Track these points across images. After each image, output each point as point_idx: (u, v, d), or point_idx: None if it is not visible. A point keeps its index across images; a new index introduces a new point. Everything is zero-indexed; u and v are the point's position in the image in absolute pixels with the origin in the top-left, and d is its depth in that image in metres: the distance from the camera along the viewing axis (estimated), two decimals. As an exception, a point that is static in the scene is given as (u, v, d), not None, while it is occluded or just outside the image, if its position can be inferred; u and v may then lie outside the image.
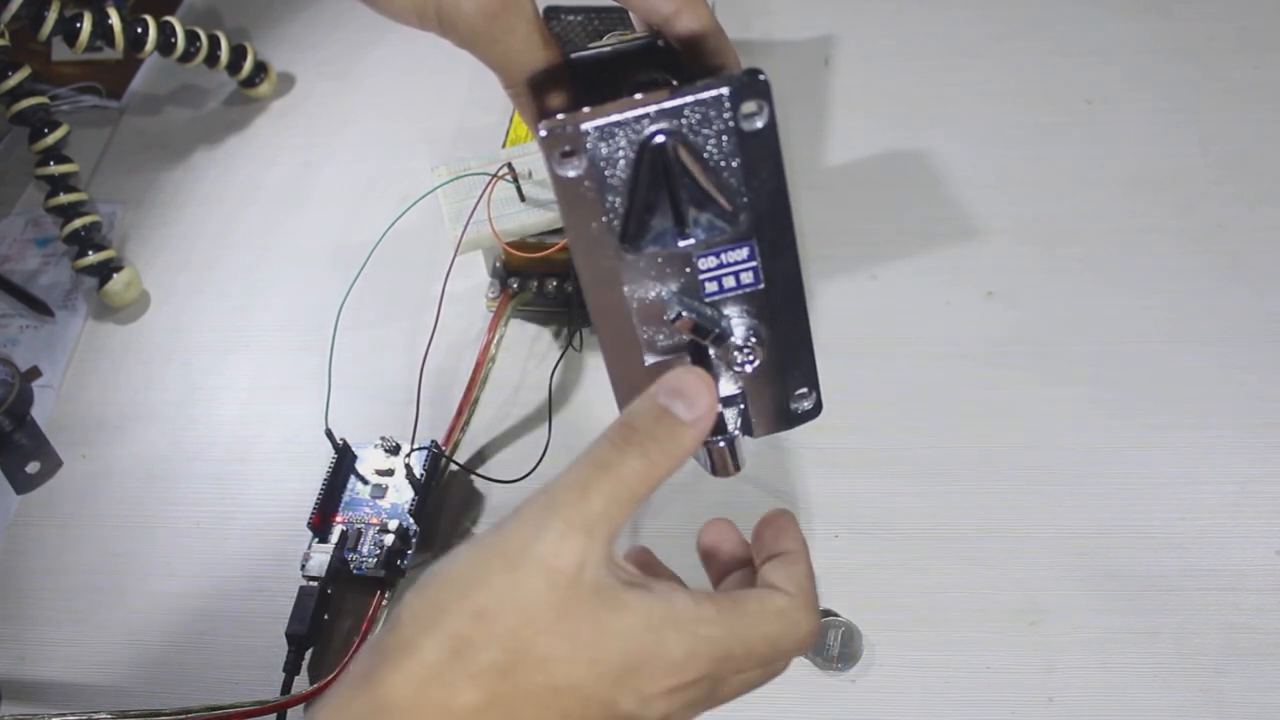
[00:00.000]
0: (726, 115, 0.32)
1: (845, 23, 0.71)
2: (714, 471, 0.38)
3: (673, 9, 0.38)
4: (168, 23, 0.66)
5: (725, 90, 0.31)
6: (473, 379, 0.55)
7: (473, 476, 0.53)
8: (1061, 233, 0.60)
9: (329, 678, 0.47)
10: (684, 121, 0.32)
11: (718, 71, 0.39)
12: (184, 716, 0.44)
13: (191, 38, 0.67)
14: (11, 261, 0.66)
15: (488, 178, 0.52)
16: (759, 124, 0.32)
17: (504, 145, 0.59)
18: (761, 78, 0.31)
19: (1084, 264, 0.58)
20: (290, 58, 0.75)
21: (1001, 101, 0.66)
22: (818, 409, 0.38)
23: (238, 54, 0.70)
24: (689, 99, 0.31)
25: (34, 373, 0.60)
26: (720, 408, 0.37)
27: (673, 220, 0.33)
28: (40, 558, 0.53)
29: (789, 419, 0.38)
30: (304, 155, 0.69)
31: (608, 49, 0.39)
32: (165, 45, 0.66)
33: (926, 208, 0.61)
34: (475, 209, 0.52)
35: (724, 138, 0.32)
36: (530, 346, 0.58)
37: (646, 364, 0.36)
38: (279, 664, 0.47)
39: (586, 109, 0.31)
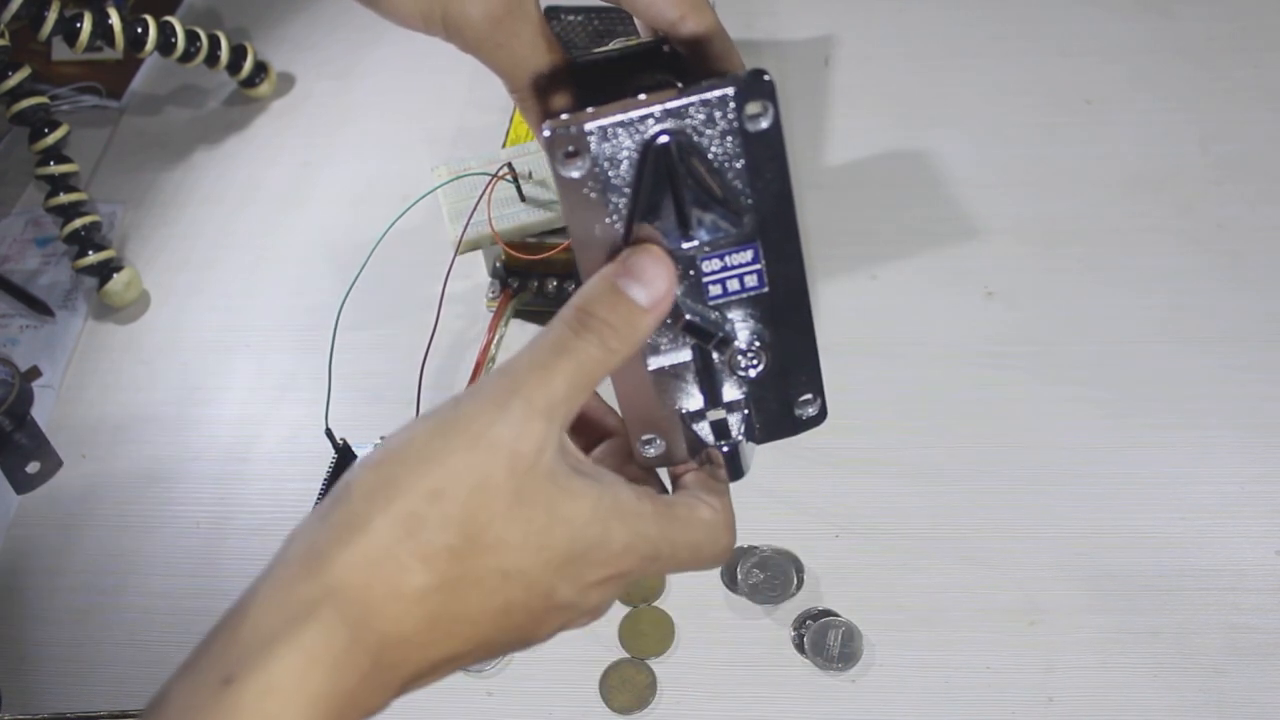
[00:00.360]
0: (731, 116, 0.31)
1: (845, 23, 0.71)
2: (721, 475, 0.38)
3: (678, 14, 0.38)
4: (168, 23, 0.66)
5: (730, 90, 0.31)
6: (472, 379, 0.55)
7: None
8: (1061, 233, 0.60)
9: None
10: (688, 122, 0.31)
11: (722, 74, 0.39)
12: (184, 716, 0.44)
13: (191, 38, 0.67)
14: (11, 261, 0.66)
15: (488, 178, 0.52)
16: (764, 124, 0.32)
17: (504, 145, 0.59)
18: (766, 78, 0.31)
19: (1084, 264, 0.58)
20: (290, 58, 0.75)
21: (1001, 101, 0.66)
22: (823, 415, 0.38)
23: (238, 54, 0.70)
24: (693, 99, 0.31)
25: (34, 373, 0.60)
26: (724, 414, 0.37)
27: (676, 222, 0.33)
28: (40, 558, 0.53)
29: (794, 425, 0.38)
30: (304, 155, 0.69)
31: (612, 52, 0.39)
32: (165, 45, 0.66)
33: (926, 208, 0.61)
34: (475, 209, 0.52)
35: (728, 138, 0.32)
36: (530, 346, 0.58)
37: (650, 368, 0.36)
38: (279, 664, 0.47)
39: (590, 109, 0.31)
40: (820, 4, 0.73)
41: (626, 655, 0.47)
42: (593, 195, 0.32)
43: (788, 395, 0.37)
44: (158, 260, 0.65)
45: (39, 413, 0.58)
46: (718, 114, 0.31)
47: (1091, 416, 0.52)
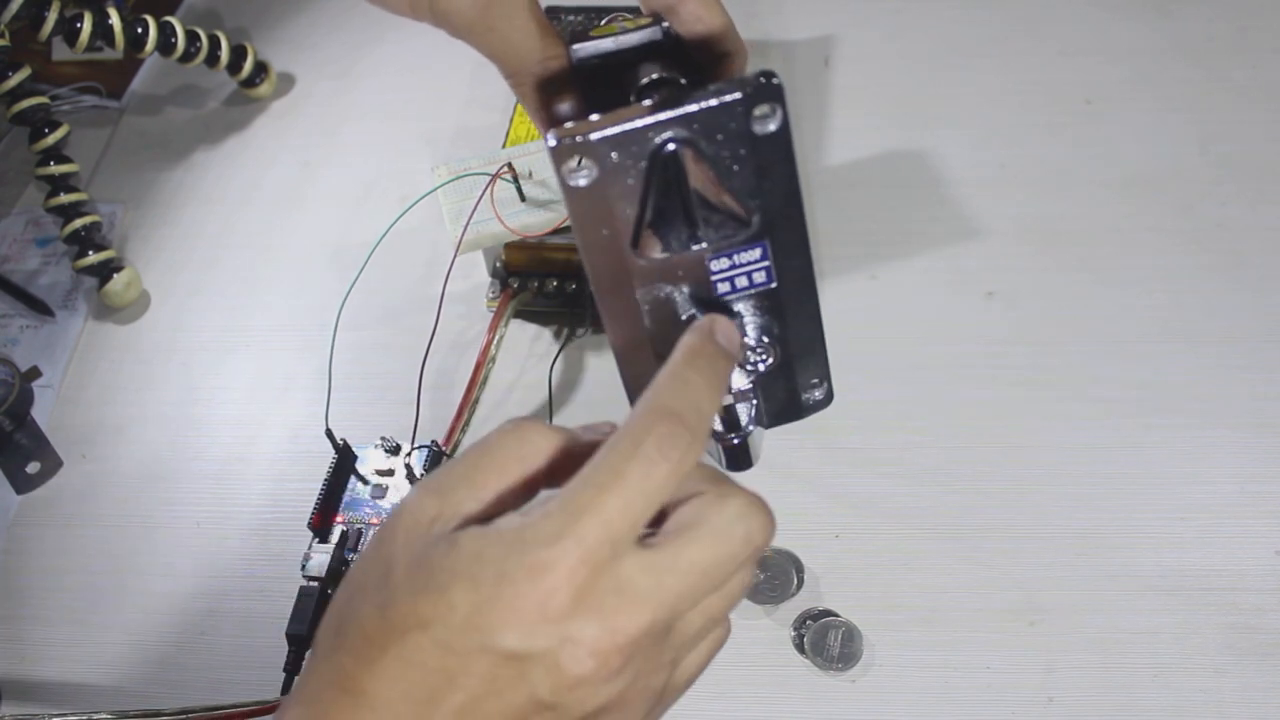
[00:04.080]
0: (739, 119, 0.31)
1: (845, 23, 0.71)
2: (728, 466, 0.38)
3: None
4: (168, 23, 0.66)
5: (738, 95, 0.31)
6: (473, 379, 0.55)
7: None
8: (1061, 233, 0.60)
9: (329, 678, 0.47)
10: (695, 128, 0.31)
11: (724, 58, 0.38)
12: (184, 716, 0.44)
13: (192, 38, 0.67)
14: (12, 261, 0.66)
15: (488, 178, 0.52)
16: (772, 127, 0.31)
17: (504, 145, 0.59)
18: (775, 81, 0.31)
19: (1084, 264, 0.58)
20: (290, 58, 0.75)
21: (1001, 101, 0.66)
22: (829, 398, 0.38)
23: (238, 54, 0.70)
24: (700, 106, 0.31)
25: (34, 373, 0.60)
26: (734, 402, 0.37)
27: (684, 224, 0.33)
28: (40, 558, 0.53)
29: (800, 409, 0.38)
30: (304, 155, 0.69)
31: (609, 42, 0.38)
32: (165, 45, 0.66)
33: (926, 208, 0.61)
34: (475, 209, 0.52)
35: (736, 141, 0.31)
36: (530, 346, 0.58)
37: (660, 362, 0.36)
38: (279, 664, 0.47)
39: (596, 117, 0.31)
40: (820, 4, 0.73)
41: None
42: (599, 202, 0.32)
43: (795, 381, 0.37)
44: (158, 260, 0.65)
45: (39, 413, 0.58)
46: (725, 119, 0.31)
47: (1091, 416, 0.52)
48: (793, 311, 0.35)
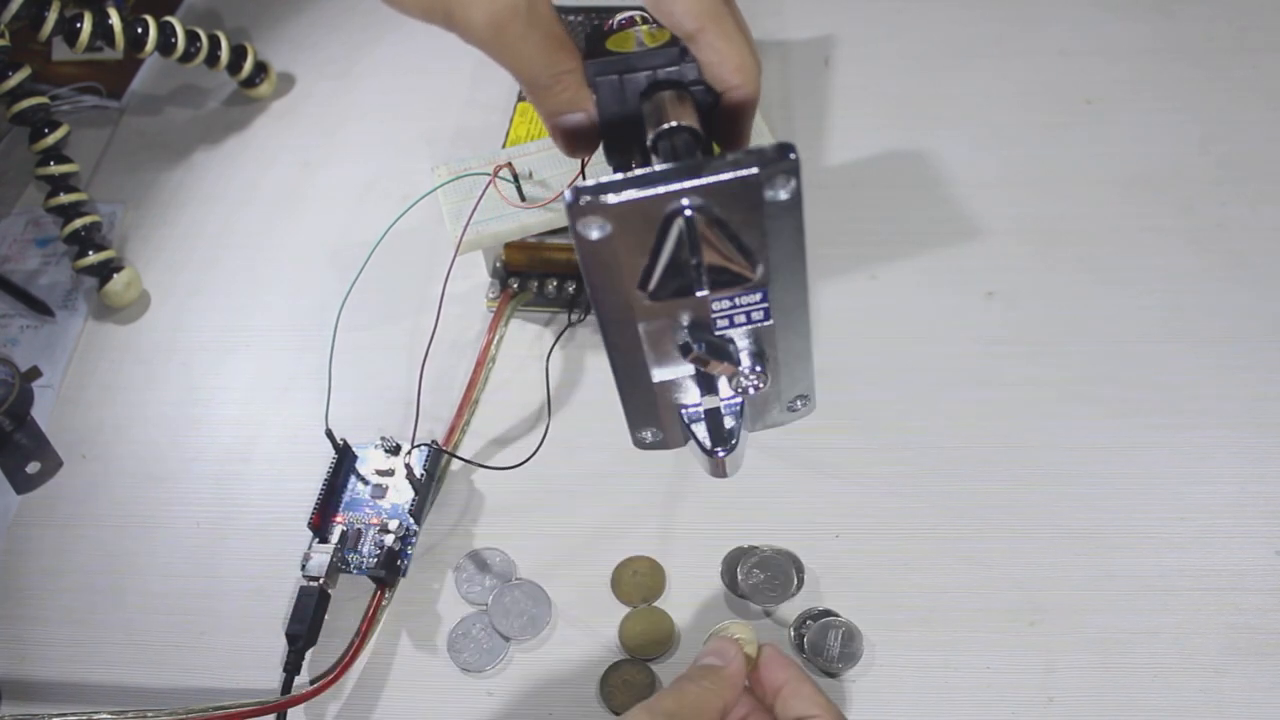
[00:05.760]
0: (753, 190, 0.32)
1: (845, 23, 0.71)
2: (713, 473, 0.38)
3: (697, 26, 0.37)
4: (168, 23, 0.66)
5: (755, 171, 0.31)
6: (473, 379, 0.55)
7: (474, 474, 0.53)
8: (1061, 233, 0.60)
9: (329, 678, 0.47)
10: (710, 198, 0.32)
11: (740, 98, 0.38)
12: (184, 716, 0.44)
13: (192, 38, 0.67)
14: (12, 261, 0.66)
15: (487, 178, 0.52)
16: (784, 195, 0.32)
17: (504, 145, 0.59)
18: (792, 156, 0.31)
19: (1084, 264, 0.58)
20: (290, 58, 0.75)
21: (1001, 101, 0.66)
22: (810, 407, 0.40)
23: (238, 54, 0.70)
24: (718, 179, 0.31)
25: (34, 373, 0.60)
26: (722, 415, 0.38)
27: (692, 275, 0.34)
28: (40, 558, 0.53)
29: (784, 415, 0.40)
30: (304, 155, 0.69)
31: (623, 65, 0.38)
32: (165, 45, 0.66)
33: (926, 208, 0.61)
34: (475, 209, 0.52)
35: (748, 209, 0.32)
36: (530, 346, 0.58)
37: (655, 380, 0.36)
38: (279, 664, 0.47)
39: (615, 177, 0.31)
40: (820, 4, 0.73)
41: (626, 655, 0.47)
42: (611, 254, 0.32)
43: (781, 395, 0.38)
44: (158, 260, 0.65)
45: (39, 413, 0.58)
46: (740, 189, 0.31)
47: (1091, 416, 0.52)
48: (786, 341, 0.36)
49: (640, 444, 0.39)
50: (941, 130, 0.65)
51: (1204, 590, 0.47)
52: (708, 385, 0.37)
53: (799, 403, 0.39)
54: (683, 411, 0.38)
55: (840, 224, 0.61)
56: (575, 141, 0.40)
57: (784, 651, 0.41)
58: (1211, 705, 0.44)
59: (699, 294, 0.34)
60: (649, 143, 0.37)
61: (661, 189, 0.31)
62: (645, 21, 0.40)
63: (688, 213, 0.32)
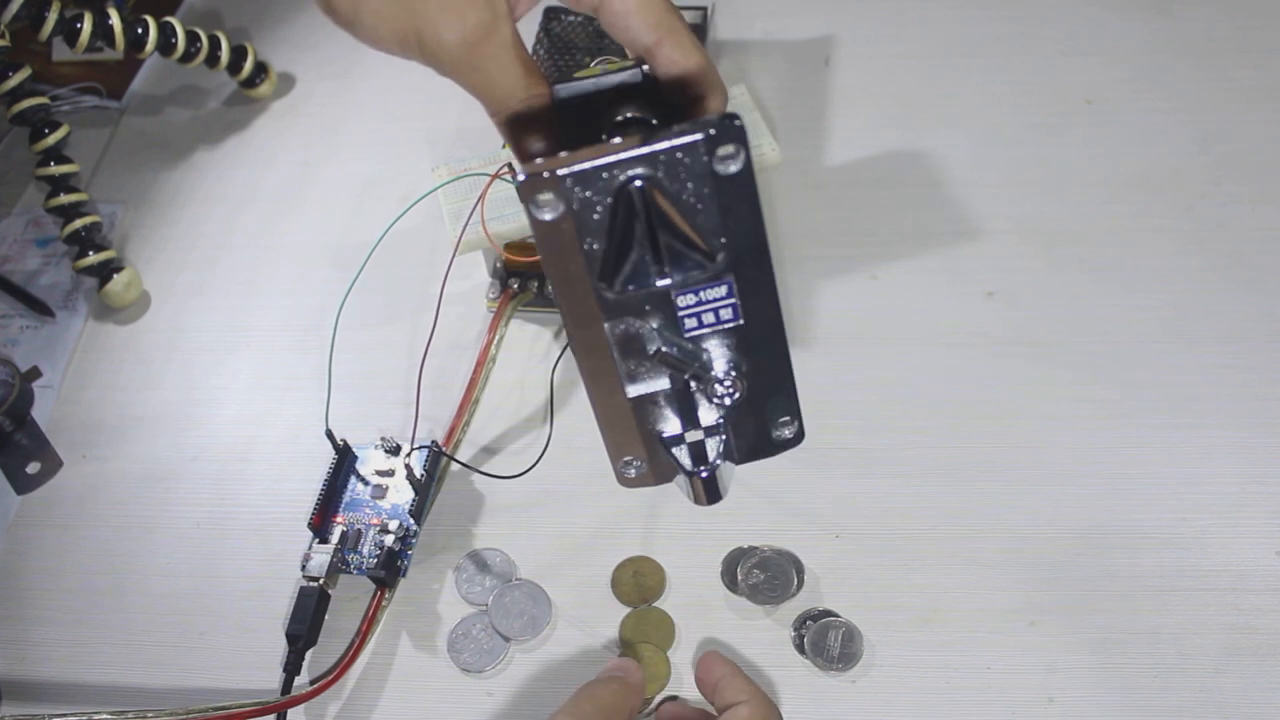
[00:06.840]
0: (702, 159, 0.32)
1: (845, 23, 0.71)
2: (696, 501, 0.38)
3: (654, 39, 0.37)
4: (168, 23, 0.66)
5: (700, 136, 0.31)
6: (473, 379, 0.55)
7: (474, 475, 0.53)
8: (1061, 233, 0.60)
9: (329, 678, 0.47)
10: (660, 166, 0.32)
11: (699, 100, 0.39)
12: (184, 716, 0.44)
13: (192, 38, 0.67)
14: (12, 262, 0.66)
15: (487, 178, 0.52)
16: (734, 168, 0.32)
17: (504, 145, 0.59)
18: (737, 123, 0.31)
19: (1084, 264, 0.58)
20: (290, 58, 0.75)
21: (1001, 101, 0.66)
22: (799, 437, 0.39)
23: (238, 54, 0.70)
24: (664, 145, 0.31)
25: (34, 373, 0.60)
26: (702, 437, 0.37)
27: (650, 260, 0.33)
28: (40, 558, 0.53)
29: (770, 446, 0.39)
30: (304, 155, 0.69)
31: (589, 83, 0.39)
32: (165, 46, 0.66)
33: (926, 208, 0.61)
34: (475, 209, 0.52)
35: (699, 181, 0.32)
36: (530, 346, 0.58)
37: (629, 396, 0.36)
38: (279, 664, 0.47)
39: (563, 154, 0.31)
40: (820, 4, 0.73)
41: (627, 656, 0.47)
42: (567, 236, 0.32)
43: (765, 418, 0.38)
44: (158, 260, 0.65)
45: (39, 413, 0.58)
46: (689, 159, 0.32)
47: (1091, 416, 0.53)
48: (761, 350, 0.36)
49: (625, 480, 0.39)
50: (941, 130, 0.65)
51: (1204, 590, 0.47)
52: (686, 405, 0.37)
53: (784, 429, 0.38)
54: (664, 438, 0.38)
55: (840, 224, 0.61)
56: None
57: (783, 652, 0.42)
58: (1211, 705, 0.44)
59: (660, 283, 0.34)
60: (604, 138, 0.37)
61: (607, 158, 0.31)
62: (613, 61, 0.41)
63: (638, 183, 0.32)
